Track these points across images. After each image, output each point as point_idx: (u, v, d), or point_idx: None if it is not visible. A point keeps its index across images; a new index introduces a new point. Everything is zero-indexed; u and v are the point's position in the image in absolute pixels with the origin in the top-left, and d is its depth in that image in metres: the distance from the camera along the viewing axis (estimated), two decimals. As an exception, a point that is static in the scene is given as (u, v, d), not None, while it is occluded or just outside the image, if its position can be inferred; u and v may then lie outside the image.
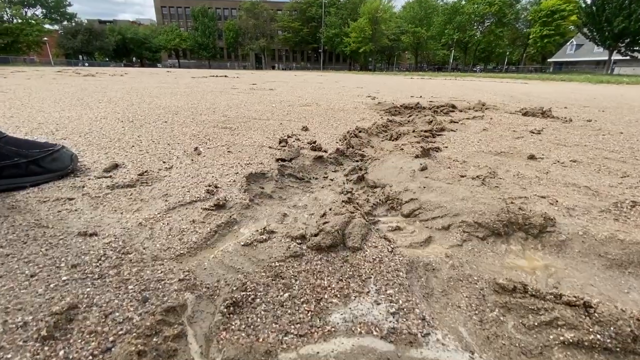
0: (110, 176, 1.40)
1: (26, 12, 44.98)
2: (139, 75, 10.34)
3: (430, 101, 4.63)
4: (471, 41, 50.46)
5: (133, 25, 66.72)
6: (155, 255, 0.91)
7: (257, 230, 1.02)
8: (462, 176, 1.45)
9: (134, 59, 58.36)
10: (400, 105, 3.81)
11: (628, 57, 37.01)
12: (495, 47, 50.41)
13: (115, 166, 1.51)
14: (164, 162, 1.61)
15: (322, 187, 1.53)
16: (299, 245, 0.94)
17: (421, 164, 1.53)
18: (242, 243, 0.96)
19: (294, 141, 2.10)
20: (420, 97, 5.32)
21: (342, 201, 1.21)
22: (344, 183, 1.59)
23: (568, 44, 50.35)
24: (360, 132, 2.43)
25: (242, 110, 3.30)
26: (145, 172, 1.47)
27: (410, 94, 6.04)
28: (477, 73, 38.04)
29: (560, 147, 2.19)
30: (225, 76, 11.40)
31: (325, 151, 1.91)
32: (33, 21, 43.74)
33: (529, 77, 20.32)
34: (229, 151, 1.85)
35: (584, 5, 36.78)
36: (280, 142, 2.02)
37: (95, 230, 0.99)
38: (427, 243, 1.07)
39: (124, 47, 53.87)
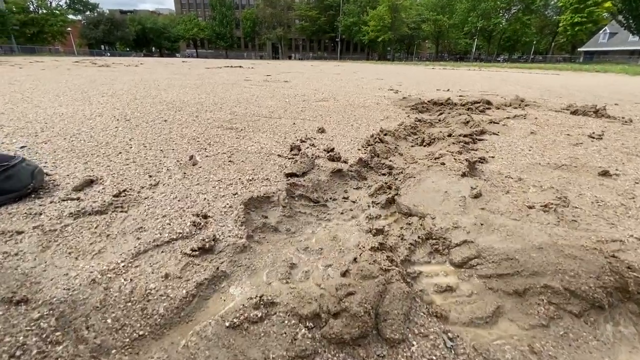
0: (79, 198, 1.12)
1: (51, 3, 45.89)
2: (153, 66, 10.18)
3: (460, 96, 4.19)
4: (496, 29, 48.06)
5: (153, 15, 67.31)
6: (101, 342, 0.62)
7: (252, 299, 0.71)
8: (530, 207, 1.09)
9: (153, 48, 58.97)
10: (428, 101, 3.40)
11: (668, 46, 34.43)
12: (521, 35, 47.85)
13: (90, 183, 1.23)
14: (150, 177, 1.33)
15: (342, 213, 1.20)
16: (309, 334, 0.63)
17: (473, 188, 1.17)
18: (228, 323, 0.66)
19: (307, 147, 1.78)
20: (448, 90, 4.86)
21: (371, 248, 0.88)
22: (369, 206, 1.26)
23: (601, 32, 47.28)
24: (385, 134, 2.08)
25: (252, 106, 2.99)
26: (124, 191, 1.18)
27: (436, 86, 5.56)
28: (502, 63, 36.33)
29: (635, 158, 1.78)
30: (240, 67, 11.10)
31: (345, 161, 1.58)
32: (57, 11, 44.65)
33: (560, 68, 19.09)
34: (230, 160, 1.54)
35: (621, -10, 34.29)
36: (291, 149, 1.70)
37: (28, 292, 0.71)
38: (495, 319, 0.74)
39: (143, 37, 54.40)
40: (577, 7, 41.89)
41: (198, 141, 1.83)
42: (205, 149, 1.70)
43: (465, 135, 1.99)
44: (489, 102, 3.42)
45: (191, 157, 1.54)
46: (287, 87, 4.72)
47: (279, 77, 6.66)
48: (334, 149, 1.73)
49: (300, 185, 1.28)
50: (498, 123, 2.55)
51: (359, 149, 1.79)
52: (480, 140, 2.05)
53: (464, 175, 1.30)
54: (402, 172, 1.50)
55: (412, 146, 1.98)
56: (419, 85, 5.70)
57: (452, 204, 1.11)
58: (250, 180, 1.33)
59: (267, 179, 1.35)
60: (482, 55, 56.67)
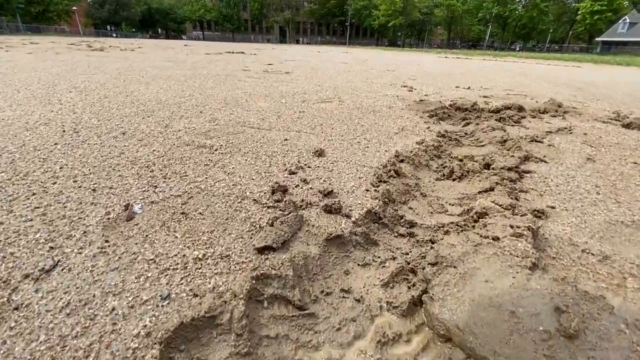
0: None
1: (55, -19, 44.75)
2: (150, 51, 9.58)
3: (484, 97, 3.62)
4: (511, 16, 46.00)
5: (159, -6, 65.54)
6: None
7: None
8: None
9: (159, 30, 57.77)
10: (450, 105, 2.87)
11: (692, 38, 32.60)
12: (538, 23, 45.76)
13: (-60, 268, 0.77)
14: (51, 249, 0.87)
15: (338, 329, 0.74)
16: None
17: (558, 310, 0.69)
18: None
19: (297, 186, 1.29)
20: (468, 88, 4.28)
21: None
22: (381, 308, 0.80)
23: (620, 21, 44.97)
24: (402, 160, 1.59)
25: (239, 110, 2.49)
26: (-13, 289, 0.72)
27: (454, 82, 4.97)
28: (517, 52, 34.87)
29: None
30: (242, 53, 10.42)
31: (348, 215, 1.10)
32: (62, -10, 43.56)
33: (579, 59, 18.03)
34: (183, 213, 1.07)
35: (646, -24, 32.24)
36: (273, 192, 1.22)
37: None
38: None
39: (149, 18, 53.09)
40: (598, -7, 39.73)
41: (152, 171, 1.35)
42: (156, 186, 1.23)
43: (508, 169, 1.49)
44: (521, 108, 2.87)
45: (127, 207, 1.07)
46: (288, 81, 4.17)
47: (280, 67, 6.09)
48: (332, 191, 1.25)
49: (274, 274, 0.81)
50: (542, 142, 2.03)
51: (367, 190, 1.30)
52: (527, 173, 1.55)
53: (534, 266, 0.81)
54: (430, 239, 1.02)
55: (437, 180, 1.49)
56: (434, 80, 5.11)
57: (528, 343, 0.63)
58: (200, 260, 0.86)
59: (227, 256, 0.88)
60: (496, 43, 54.54)
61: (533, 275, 0.78)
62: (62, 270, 0.81)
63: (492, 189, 1.31)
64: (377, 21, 46.40)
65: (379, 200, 1.20)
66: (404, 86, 4.13)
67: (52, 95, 2.62)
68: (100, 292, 0.74)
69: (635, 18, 41.85)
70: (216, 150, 1.64)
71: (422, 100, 2.97)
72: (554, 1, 44.90)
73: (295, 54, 12.08)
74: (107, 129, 1.85)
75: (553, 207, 1.24)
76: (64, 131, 1.77)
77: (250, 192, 1.22)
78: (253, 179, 1.34)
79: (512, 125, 2.42)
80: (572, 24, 46.93)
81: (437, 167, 1.62)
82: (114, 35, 51.00)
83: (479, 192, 1.31)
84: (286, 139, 1.85)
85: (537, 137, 2.10)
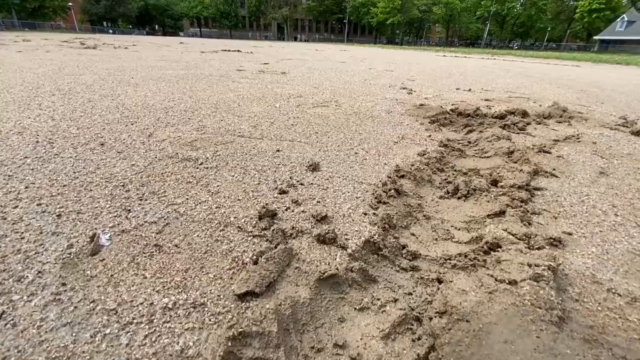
0: None
1: (51, -24, 44.13)
2: (145, 49, 9.38)
3: (486, 100, 3.50)
4: (510, 14, 45.86)
5: (156, -9, 64.84)
6: None
7: None
8: None
9: (156, 26, 57.22)
10: (452, 110, 2.74)
11: (690, 37, 32.59)
12: (536, 21, 45.64)
13: None
14: (-9, 298, 0.74)
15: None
16: None
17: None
18: None
19: (287, 210, 1.17)
20: (469, 90, 4.16)
21: None
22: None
23: (618, 20, 44.92)
24: (402, 176, 1.46)
25: (230, 116, 2.35)
26: None
27: (454, 83, 4.84)
28: (515, 50, 34.78)
29: None
30: (238, 51, 10.22)
31: (344, 246, 0.98)
32: (57, -15, 42.96)
33: (578, 58, 17.93)
34: (156, 245, 0.94)
35: (645, -25, 32.20)
36: (261, 218, 1.10)
37: None
38: None
39: (146, 15, 52.57)
40: (596, -8, 39.62)
41: (127, 190, 1.22)
42: (130, 210, 1.10)
43: (518, 187, 1.37)
44: (525, 113, 2.75)
45: (93, 239, 0.94)
46: (283, 82, 4.03)
47: (277, 67, 5.94)
48: (326, 215, 1.12)
49: (255, 332, 0.69)
50: (550, 152, 1.91)
51: (365, 213, 1.18)
52: (538, 190, 1.43)
53: (560, 321, 0.69)
54: (437, 278, 0.90)
55: (440, 198, 1.37)
56: (434, 81, 4.98)
57: None
58: (170, 309, 0.74)
59: (201, 305, 0.76)
60: (494, 42, 54.40)
61: (560, 334, 0.66)
62: (6, 325, 0.68)
63: (502, 213, 1.18)
64: (375, 19, 46.18)
65: (378, 227, 1.07)
66: (403, 88, 4.00)
67: (33, 99, 2.47)
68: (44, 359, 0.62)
69: (633, 16, 41.84)
70: (201, 164, 1.51)
71: (422, 105, 2.85)
72: (552, -1, 44.75)
73: (292, 52, 11.91)
74: (85, 139, 1.71)
75: (570, 234, 1.12)
76: (37, 142, 1.63)
77: (235, 217, 1.10)
78: (239, 200, 1.21)
79: (517, 133, 2.30)
80: (570, 23, 46.85)
81: (440, 183, 1.50)
82: (111, 31, 50.48)
83: (488, 216, 1.18)
84: (278, 150, 1.72)
85: (544, 147, 1.98)
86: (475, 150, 1.93)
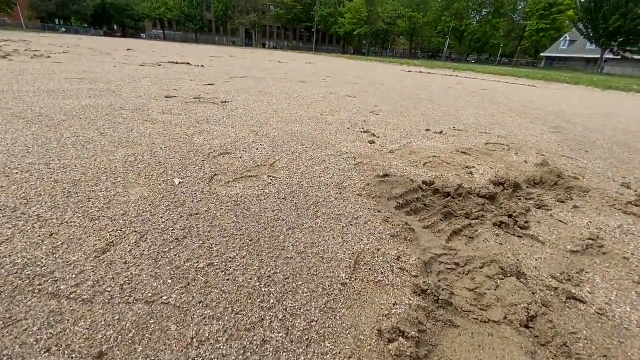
0: None
1: (-9, -34, 39.55)
2: (73, 59, 7.93)
3: (462, 152, 2.81)
4: (467, 30, 47.89)
5: (116, -11, 60.73)
6: None
7: None
8: None
9: (114, 26, 53.41)
10: (426, 184, 1.99)
11: (619, 57, 35.64)
12: (490, 37, 48.00)
13: None
14: None
15: None
16: None
17: None
18: None
19: None
20: (441, 132, 3.48)
21: None
22: None
23: (562, 39, 48.48)
24: None
25: (76, 218, 1.42)
26: None
27: (423, 118, 4.18)
28: (473, 65, 36.12)
29: None
30: (188, 64, 9.03)
31: None
32: (-1, -23, 38.59)
33: (531, 76, 18.54)
34: None
35: (583, 0, 34.90)
36: None
37: None
38: None
39: (103, 14, 48.78)
40: (542, 13, 42.41)
41: None
42: None
43: None
44: (517, 186, 2.07)
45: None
46: (215, 122, 3.12)
47: (221, 90, 4.98)
48: None
49: None
50: (583, 298, 1.18)
51: None
52: None
53: None
54: None
55: None
56: (402, 117, 4.27)
57: None
58: None
59: None
60: (453, 55, 56.55)
61: None
62: None
63: None
64: (342, 29, 46.23)
65: None
66: (365, 131, 3.23)
67: None
68: None
69: (574, 36, 45.14)
70: None
71: (386, 176, 2.06)
72: (505, 18, 47.33)
73: (252, 66, 10.93)
74: None
75: None
76: None
77: None
78: None
79: (520, 237, 1.57)
80: (520, 40, 49.78)
81: None
82: (64, 29, 46.33)
83: None
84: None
85: (568, 278, 1.26)
86: (471, 298, 1.15)
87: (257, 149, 2.43)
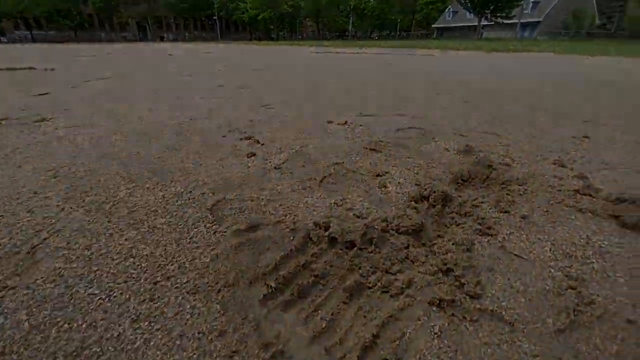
0: None
1: None
2: None
3: (371, 148, 2.07)
4: (367, 8, 49.15)
5: (-50, -17, 47.14)
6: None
7: None
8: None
9: (-42, 30, 41.88)
10: (315, 226, 1.16)
11: (493, 23, 40.25)
12: (387, 13, 50.12)
13: None
14: None
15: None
16: None
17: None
18: None
19: None
20: (345, 123, 2.72)
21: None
22: None
23: (447, 10, 52.83)
24: None
25: None
26: None
27: (323, 103, 3.41)
28: (376, 40, 37.20)
29: None
30: (32, 68, 6.72)
31: None
32: None
33: (429, 46, 19.46)
34: None
35: (459, -27, 38.13)
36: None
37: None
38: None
39: (-64, 15, 37.61)
40: (429, -13, 45.43)
41: None
42: None
43: None
44: (446, 198, 1.39)
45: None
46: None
47: (53, 103, 3.50)
48: None
49: None
50: None
51: None
52: None
53: None
54: None
55: None
56: (299, 110, 3.43)
57: None
58: None
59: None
60: (359, 33, 57.88)
61: None
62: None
63: None
64: (246, 14, 43.36)
65: None
66: (247, 138, 2.30)
67: None
68: None
69: (456, 7, 49.25)
70: None
71: (252, 229, 1.19)
72: (398, -6, 49.59)
73: (129, 62, 8.95)
74: None
75: None
76: None
77: None
78: None
79: (475, 322, 0.85)
80: (414, 14, 52.94)
81: None
82: None
83: None
84: None
85: None
86: None
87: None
